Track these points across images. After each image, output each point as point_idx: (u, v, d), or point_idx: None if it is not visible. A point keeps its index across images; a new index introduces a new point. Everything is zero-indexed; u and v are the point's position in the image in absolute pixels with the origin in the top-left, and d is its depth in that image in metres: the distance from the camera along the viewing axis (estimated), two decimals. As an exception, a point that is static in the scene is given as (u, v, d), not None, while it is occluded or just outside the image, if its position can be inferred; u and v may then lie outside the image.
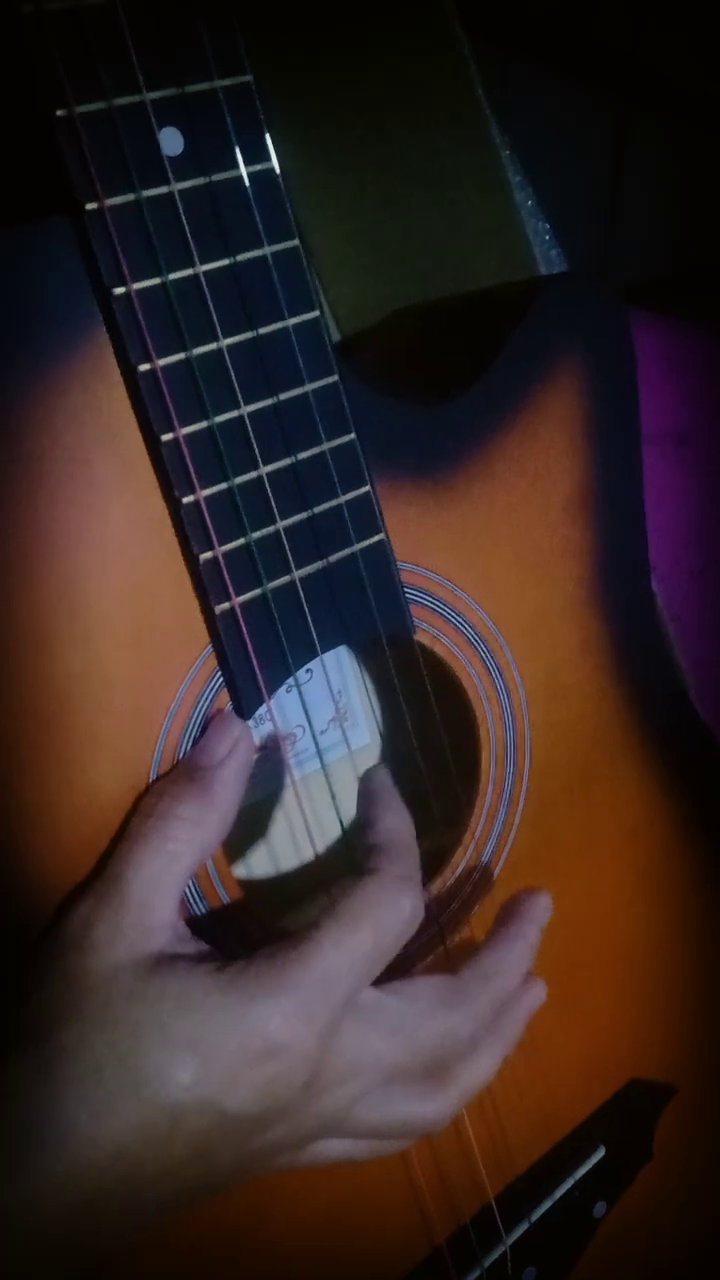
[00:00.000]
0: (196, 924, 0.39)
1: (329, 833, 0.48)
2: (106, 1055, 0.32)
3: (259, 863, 0.49)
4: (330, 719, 0.50)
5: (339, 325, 0.56)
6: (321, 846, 0.47)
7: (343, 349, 0.55)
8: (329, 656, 0.44)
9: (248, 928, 0.41)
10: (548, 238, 0.66)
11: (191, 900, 0.39)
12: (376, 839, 0.39)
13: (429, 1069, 0.38)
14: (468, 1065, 0.39)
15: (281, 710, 0.46)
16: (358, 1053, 0.36)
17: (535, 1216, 0.50)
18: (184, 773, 0.37)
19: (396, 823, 0.40)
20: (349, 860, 0.45)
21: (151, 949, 0.34)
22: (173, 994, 0.33)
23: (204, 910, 0.40)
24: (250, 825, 0.49)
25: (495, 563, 0.46)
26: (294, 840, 0.49)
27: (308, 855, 0.50)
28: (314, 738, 0.48)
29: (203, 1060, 0.32)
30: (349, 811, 0.49)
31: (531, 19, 0.65)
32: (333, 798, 0.47)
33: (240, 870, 0.48)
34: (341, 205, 0.54)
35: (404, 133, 0.55)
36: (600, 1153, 0.52)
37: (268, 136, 0.37)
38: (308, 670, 0.47)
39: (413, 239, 0.56)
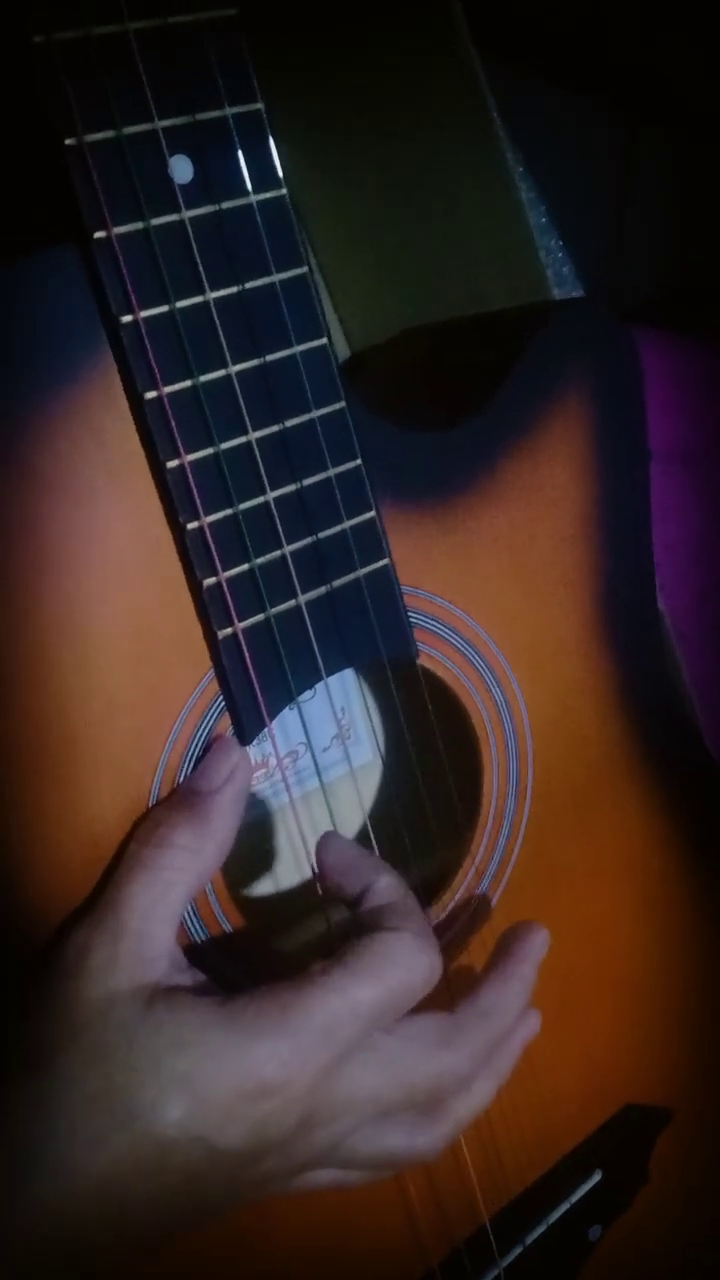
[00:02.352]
0: (194, 948, 0.39)
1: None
2: (100, 1086, 0.32)
3: (257, 882, 0.49)
4: (332, 736, 0.50)
5: (350, 341, 0.56)
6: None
7: (354, 364, 0.55)
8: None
9: (245, 951, 0.41)
10: (560, 255, 0.66)
11: (190, 925, 0.39)
12: (382, 899, 0.38)
13: (423, 1104, 0.38)
14: (461, 1100, 0.39)
15: (283, 728, 0.46)
16: (353, 1090, 0.36)
17: (530, 1240, 0.50)
18: (182, 799, 0.37)
19: (393, 881, 0.39)
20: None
21: (148, 979, 0.34)
22: (169, 1028, 0.33)
23: (203, 936, 0.40)
24: (249, 844, 0.49)
25: (501, 586, 0.46)
26: (293, 859, 0.50)
27: (306, 874, 0.50)
28: (314, 756, 0.48)
29: (195, 1097, 0.32)
30: (350, 829, 0.49)
31: (544, 34, 0.64)
32: (332, 816, 0.47)
33: (238, 889, 0.48)
34: (353, 222, 0.54)
35: (415, 149, 0.55)
36: (596, 1176, 0.52)
37: (277, 161, 0.37)
38: (311, 689, 0.47)
39: (424, 256, 0.56)
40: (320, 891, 0.40)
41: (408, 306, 0.56)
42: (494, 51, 0.57)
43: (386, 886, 0.38)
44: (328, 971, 0.35)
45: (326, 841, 0.40)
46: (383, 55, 0.53)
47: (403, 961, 0.36)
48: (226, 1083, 0.33)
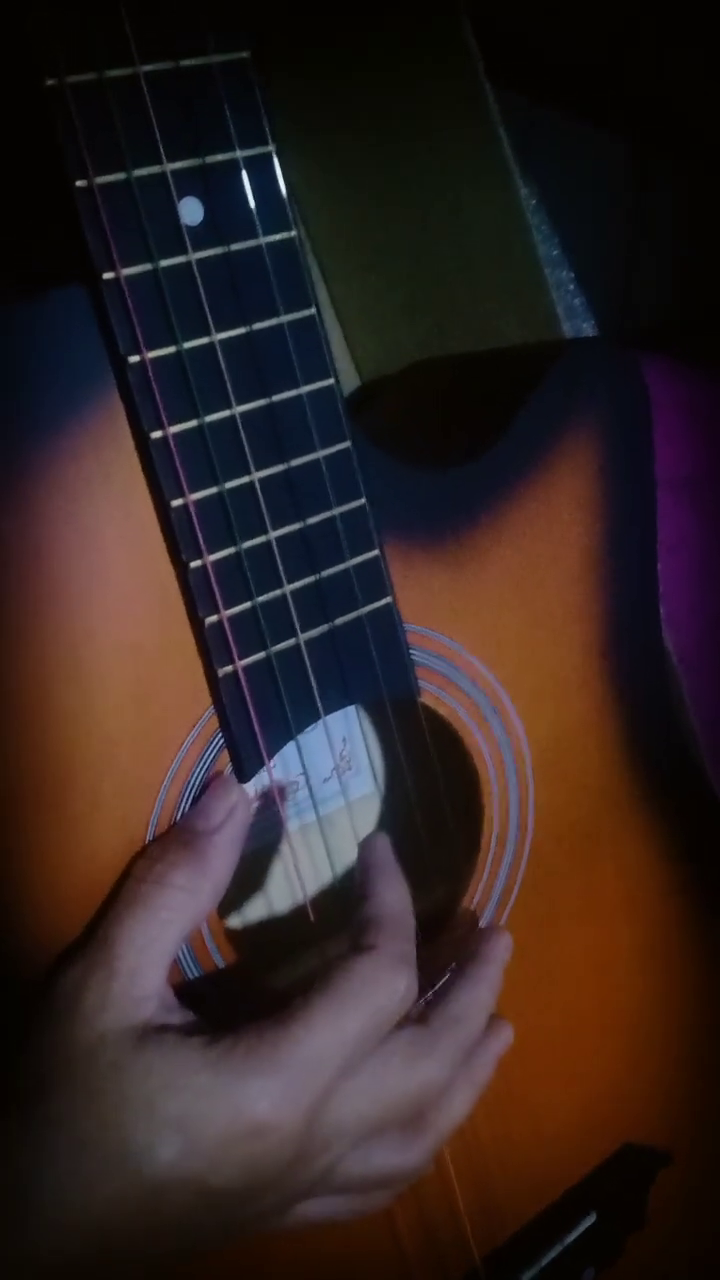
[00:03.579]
0: (186, 984, 0.39)
1: (324, 884, 0.48)
2: (93, 1127, 0.32)
3: (252, 915, 0.49)
4: (331, 769, 0.50)
5: (360, 372, 0.56)
6: (316, 898, 0.47)
7: (363, 395, 0.55)
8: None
9: (238, 988, 0.41)
10: (571, 287, 0.66)
11: (184, 963, 0.39)
12: (374, 912, 0.39)
13: (408, 1118, 0.38)
14: (442, 1111, 0.39)
15: (281, 759, 0.46)
16: (342, 1118, 0.36)
17: (523, 1281, 0.50)
18: (179, 838, 0.37)
19: (394, 897, 0.40)
20: (343, 915, 0.45)
21: (139, 1019, 0.34)
22: (160, 1070, 0.33)
23: (196, 971, 0.39)
24: (244, 877, 0.49)
25: (504, 625, 0.46)
26: (288, 892, 0.49)
27: (302, 907, 0.49)
28: (312, 789, 0.48)
29: (188, 1138, 0.32)
30: (345, 863, 0.49)
31: (553, 65, 0.64)
32: (328, 849, 0.47)
33: (232, 922, 0.48)
34: (363, 253, 0.54)
35: (426, 182, 0.55)
36: (591, 1218, 0.52)
37: (287, 203, 0.37)
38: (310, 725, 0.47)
39: (434, 287, 0.56)
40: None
41: (418, 338, 0.56)
42: (504, 79, 0.57)
43: (383, 902, 0.39)
44: (310, 1003, 0.35)
45: (371, 840, 0.42)
46: (401, 96, 0.53)
47: (380, 981, 0.36)
48: (219, 1124, 0.33)
